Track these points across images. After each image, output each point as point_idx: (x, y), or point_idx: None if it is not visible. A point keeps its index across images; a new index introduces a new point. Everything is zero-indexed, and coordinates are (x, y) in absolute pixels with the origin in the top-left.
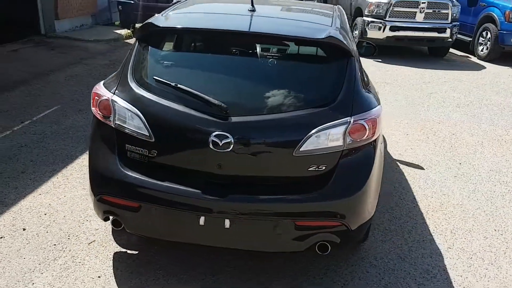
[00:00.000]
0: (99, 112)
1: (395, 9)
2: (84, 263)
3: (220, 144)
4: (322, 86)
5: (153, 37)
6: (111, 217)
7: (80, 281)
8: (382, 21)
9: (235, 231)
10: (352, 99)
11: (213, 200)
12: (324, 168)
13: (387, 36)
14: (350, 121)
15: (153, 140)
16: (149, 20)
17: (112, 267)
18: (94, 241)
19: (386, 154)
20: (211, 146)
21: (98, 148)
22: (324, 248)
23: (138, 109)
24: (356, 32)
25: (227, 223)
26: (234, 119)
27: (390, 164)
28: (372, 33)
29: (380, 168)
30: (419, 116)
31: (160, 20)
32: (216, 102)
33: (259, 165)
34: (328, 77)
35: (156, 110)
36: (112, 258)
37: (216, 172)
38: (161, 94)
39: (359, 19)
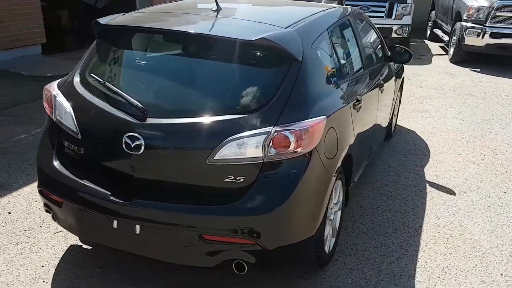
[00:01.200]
0: (46, 106)
1: (498, 13)
2: (39, 251)
3: (132, 146)
4: (252, 92)
5: (99, 34)
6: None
7: (24, 267)
8: (482, 27)
9: (145, 238)
10: (284, 107)
11: (120, 204)
12: (242, 180)
13: (487, 44)
14: (271, 131)
15: (80, 137)
16: (98, 19)
17: (59, 259)
18: (60, 231)
19: (415, 174)
20: (124, 147)
21: (43, 142)
22: (241, 267)
23: (70, 105)
24: (454, 38)
25: (137, 229)
26: (150, 121)
27: (413, 185)
28: (470, 40)
29: (319, 185)
30: (488, 135)
31: (107, 18)
32: (134, 102)
33: (171, 171)
34: (261, 82)
35: (85, 107)
36: (65, 250)
37: (130, 175)
38: (94, 92)
39: (457, 24)
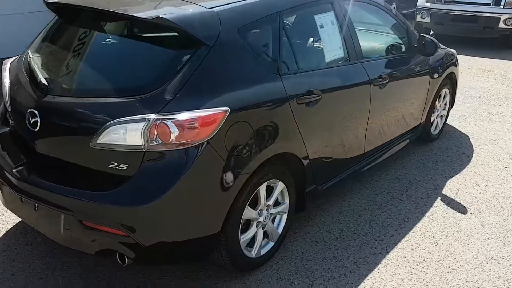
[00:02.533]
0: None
1: None
2: None
3: (31, 122)
4: (145, 75)
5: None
6: None
7: None
8: None
9: (39, 216)
10: (177, 94)
11: (21, 180)
12: (125, 168)
13: None
14: (151, 119)
15: (9, 109)
16: None
17: None
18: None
19: (432, 185)
20: (27, 123)
21: None
22: (122, 258)
23: (9, 80)
24: None
25: (36, 205)
26: (48, 98)
27: (420, 197)
28: None
29: (216, 181)
30: None
31: None
32: (38, 78)
33: (62, 151)
34: (158, 65)
35: (15, 81)
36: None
37: (36, 150)
38: (24, 67)
39: None
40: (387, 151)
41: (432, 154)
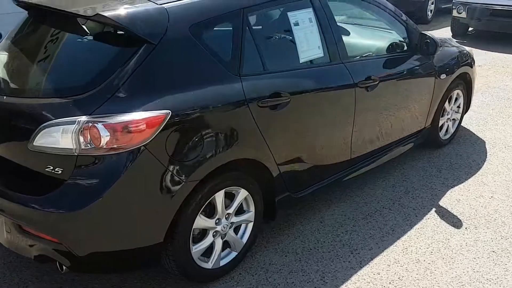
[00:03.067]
0: None
1: None
2: None
3: None
4: (84, 74)
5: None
6: None
7: None
8: None
9: None
10: (113, 95)
11: None
12: (60, 172)
13: None
14: (81, 121)
15: None
16: None
17: None
18: None
19: (430, 194)
20: None
21: None
22: (61, 265)
23: None
24: None
25: None
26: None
27: (412, 208)
28: None
29: (156, 188)
30: None
31: None
32: None
33: (7, 151)
34: (98, 64)
35: None
36: None
37: None
38: None
39: None
40: (382, 157)
41: (438, 160)
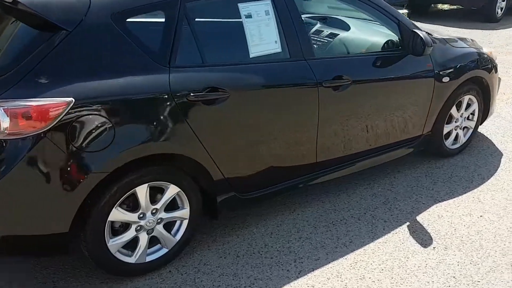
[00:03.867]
0: None
1: None
2: None
3: None
4: (3, 59)
5: None
6: None
7: None
8: None
9: None
10: (20, 80)
11: None
12: None
13: None
14: None
15: None
16: None
17: None
18: None
19: (411, 208)
20: None
21: None
22: None
23: None
24: None
25: None
26: None
27: (384, 220)
28: None
29: (51, 178)
30: None
31: None
32: None
33: None
34: (16, 49)
35: None
36: None
37: None
38: None
39: None
40: (362, 162)
41: (437, 171)
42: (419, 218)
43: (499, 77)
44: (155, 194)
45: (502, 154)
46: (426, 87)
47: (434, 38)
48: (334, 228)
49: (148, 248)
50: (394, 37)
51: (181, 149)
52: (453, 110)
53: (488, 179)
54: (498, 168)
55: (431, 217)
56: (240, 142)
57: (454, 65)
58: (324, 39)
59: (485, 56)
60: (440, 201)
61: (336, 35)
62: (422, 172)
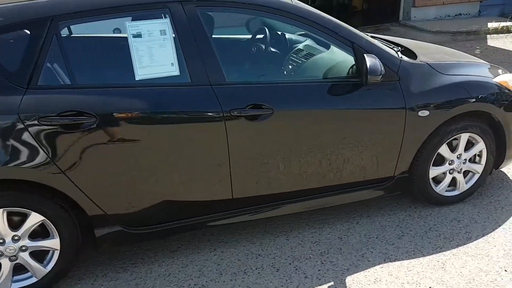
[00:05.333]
0: None
1: None
2: None
3: None
4: None
5: None
6: None
7: None
8: None
9: None
10: None
11: None
12: None
13: None
14: None
15: None
16: None
17: None
18: None
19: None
20: None
21: None
22: None
23: None
24: None
25: None
26: None
27: (289, 274)
28: None
29: None
30: None
31: None
32: None
33: None
34: None
35: None
36: None
37: None
38: None
39: None
40: (306, 202)
41: (415, 222)
42: (350, 279)
43: None
44: (22, 220)
45: None
46: (393, 121)
47: (409, 63)
48: (241, 277)
49: (18, 275)
50: (347, 62)
51: (36, 177)
52: (443, 150)
53: (475, 240)
54: (498, 227)
55: (364, 280)
56: (120, 173)
57: (437, 95)
58: (261, 62)
59: (497, 86)
60: (390, 261)
61: (277, 57)
62: (395, 220)
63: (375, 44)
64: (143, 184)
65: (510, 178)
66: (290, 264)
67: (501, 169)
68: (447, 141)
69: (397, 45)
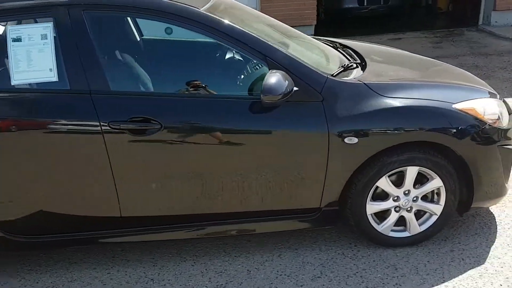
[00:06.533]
0: None
1: None
2: None
3: None
4: None
5: None
6: None
7: None
8: None
9: None
10: None
11: None
12: None
13: None
14: None
15: None
16: None
17: None
18: None
19: None
20: None
21: None
22: None
23: None
24: None
25: None
26: None
27: None
28: None
29: None
30: None
31: None
32: None
33: None
34: None
35: None
36: None
37: None
38: None
39: None
40: (203, 229)
41: (345, 263)
42: None
43: (507, 146)
44: None
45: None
46: (314, 146)
47: (338, 82)
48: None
49: None
50: (258, 77)
51: None
52: (384, 184)
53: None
54: (439, 284)
55: None
56: None
57: (369, 121)
58: (155, 72)
59: (457, 113)
60: None
61: (175, 68)
62: (322, 258)
63: (295, 59)
64: (19, 191)
65: (497, 222)
66: None
67: (491, 210)
68: (388, 173)
69: (361, 57)
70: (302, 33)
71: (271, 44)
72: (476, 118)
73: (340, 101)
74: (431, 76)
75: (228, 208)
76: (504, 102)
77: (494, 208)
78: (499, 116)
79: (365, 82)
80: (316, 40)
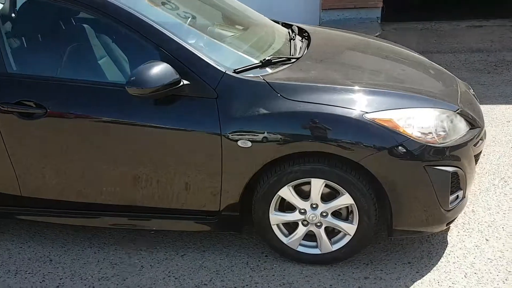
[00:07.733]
0: None
1: None
2: None
3: None
4: None
5: None
6: None
7: None
8: None
9: None
10: None
11: None
12: None
13: None
14: None
15: None
16: None
17: None
18: None
19: None
20: None
21: None
22: None
23: None
24: None
25: None
26: None
27: None
28: None
29: None
30: None
31: None
32: None
33: None
34: None
35: None
36: None
37: None
38: None
39: None
40: (97, 218)
41: (239, 275)
42: None
43: (446, 169)
44: None
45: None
46: (206, 147)
47: (237, 79)
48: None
49: None
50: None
51: None
52: (287, 194)
53: None
54: None
55: None
56: None
57: (264, 124)
58: (56, 56)
59: (369, 124)
60: None
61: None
62: (223, 265)
63: (190, 50)
64: None
65: (446, 252)
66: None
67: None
68: (291, 184)
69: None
70: (267, 19)
71: (165, 33)
72: (393, 131)
73: (237, 100)
74: (378, 78)
75: (117, 201)
76: (464, 114)
77: (455, 235)
78: (435, 131)
79: (268, 81)
80: (278, 27)
